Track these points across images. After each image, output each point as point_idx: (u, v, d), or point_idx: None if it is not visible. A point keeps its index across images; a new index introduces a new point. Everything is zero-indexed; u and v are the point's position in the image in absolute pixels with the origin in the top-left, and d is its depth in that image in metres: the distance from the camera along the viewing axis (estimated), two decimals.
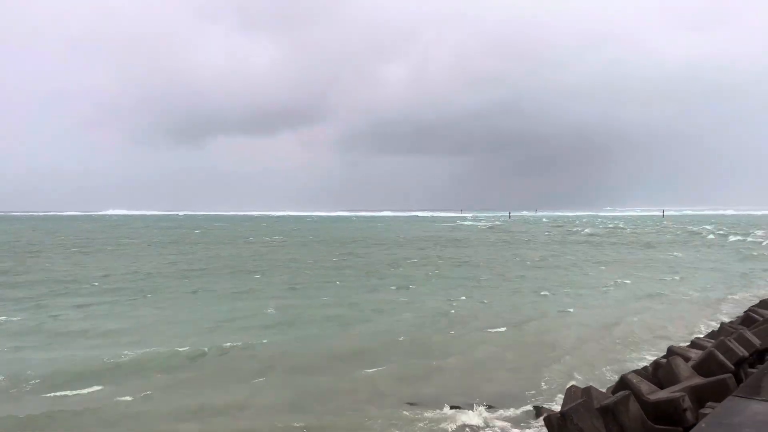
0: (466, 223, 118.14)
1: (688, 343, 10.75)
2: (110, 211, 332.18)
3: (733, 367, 8.17)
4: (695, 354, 9.32)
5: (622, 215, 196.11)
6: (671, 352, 9.31)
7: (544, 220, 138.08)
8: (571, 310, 18.37)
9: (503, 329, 15.30)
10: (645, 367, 9.31)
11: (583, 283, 25.27)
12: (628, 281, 25.40)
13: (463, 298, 20.79)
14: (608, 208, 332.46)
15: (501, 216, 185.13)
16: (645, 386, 8.09)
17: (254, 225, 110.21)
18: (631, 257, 38.30)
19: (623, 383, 8.05)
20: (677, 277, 26.73)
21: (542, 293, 21.83)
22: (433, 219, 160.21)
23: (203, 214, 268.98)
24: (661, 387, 8.26)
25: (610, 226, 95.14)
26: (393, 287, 23.66)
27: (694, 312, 17.97)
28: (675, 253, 40.62)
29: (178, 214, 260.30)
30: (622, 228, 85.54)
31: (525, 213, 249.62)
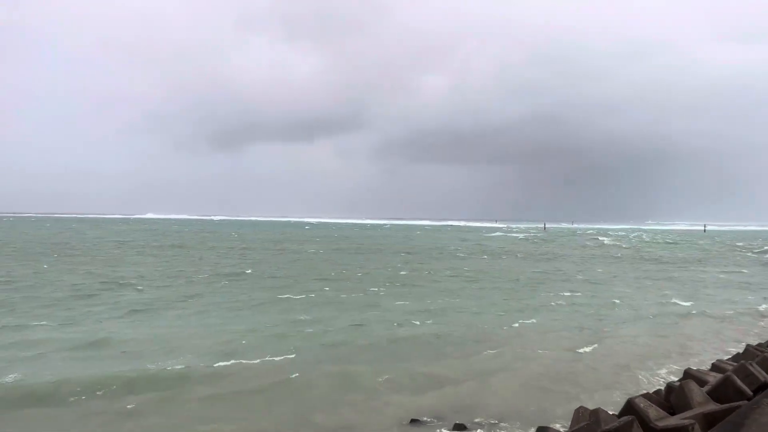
0: (495, 234, 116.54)
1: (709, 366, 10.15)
2: (149, 215, 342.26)
3: (751, 393, 7.59)
4: (713, 378, 8.76)
5: (663, 229, 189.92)
6: (687, 375, 8.76)
7: (589, 231, 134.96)
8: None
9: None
10: (658, 390, 8.79)
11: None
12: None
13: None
14: (649, 222, 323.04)
15: (535, 227, 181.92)
16: (653, 411, 7.54)
17: (304, 232, 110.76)
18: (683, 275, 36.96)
19: (629, 407, 7.54)
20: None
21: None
22: (468, 229, 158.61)
23: (238, 219, 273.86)
24: (672, 413, 7.76)
25: (649, 240, 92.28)
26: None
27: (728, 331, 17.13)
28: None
29: (212, 219, 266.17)
30: (665, 242, 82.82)
31: (562, 224, 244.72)
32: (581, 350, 14.60)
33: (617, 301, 23.25)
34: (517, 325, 17.88)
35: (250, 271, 33.29)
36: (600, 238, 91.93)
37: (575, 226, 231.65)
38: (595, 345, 15.05)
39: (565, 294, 25.39)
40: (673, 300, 23.95)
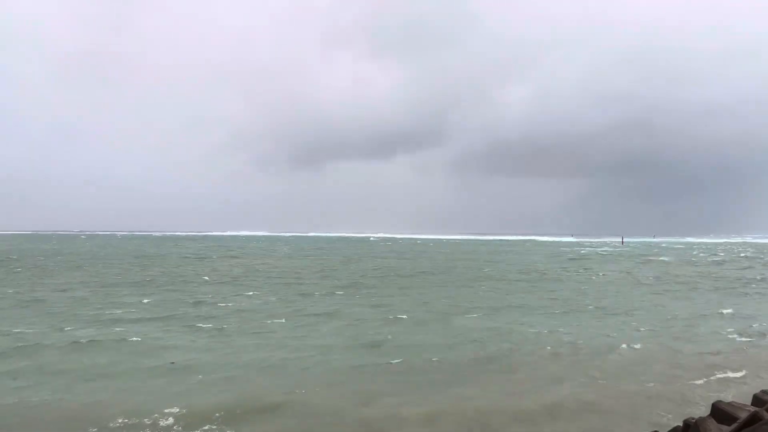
0: (585, 250, 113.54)
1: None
2: (228, 232, 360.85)
3: None
4: (746, 414, 9.29)
5: (754, 242, 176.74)
6: (714, 409, 9.42)
7: (681, 245, 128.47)
8: None
9: None
10: (676, 427, 8.92)
11: None
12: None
13: None
14: (734, 235, 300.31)
15: (612, 241, 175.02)
16: None
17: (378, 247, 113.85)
18: None
19: None
20: None
21: None
22: (543, 244, 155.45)
23: (315, 236, 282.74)
24: None
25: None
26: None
27: None
28: None
29: (284, 235, 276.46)
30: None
31: (642, 239, 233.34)
32: None
33: None
34: None
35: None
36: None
37: (657, 240, 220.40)
38: None
39: None
40: None
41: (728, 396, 13.20)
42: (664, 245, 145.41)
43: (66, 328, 21.27)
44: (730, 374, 15.61)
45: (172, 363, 15.91)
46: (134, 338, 19.37)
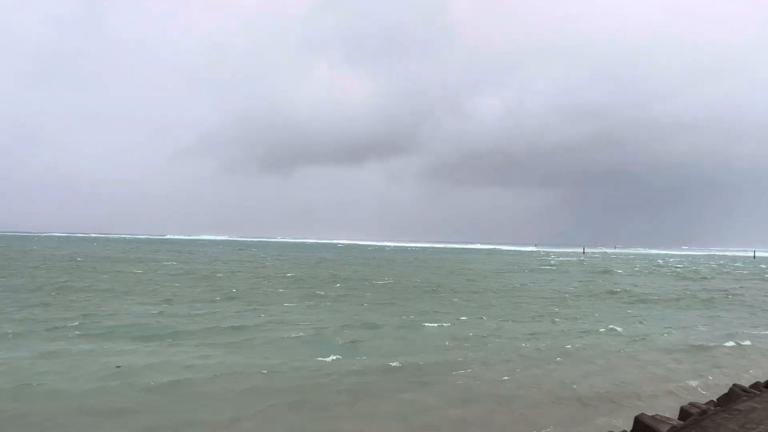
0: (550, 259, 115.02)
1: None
2: (202, 236, 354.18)
3: None
4: (667, 427, 9.09)
5: (709, 254, 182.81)
6: (636, 422, 9.19)
7: (630, 256, 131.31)
8: None
9: None
10: None
11: None
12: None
13: None
14: (685, 247, 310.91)
15: (573, 252, 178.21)
16: None
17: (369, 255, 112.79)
18: None
19: None
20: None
21: None
22: (508, 253, 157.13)
23: (283, 242, 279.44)
24: None
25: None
26: None
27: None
28: None
29: (249, 240, 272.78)
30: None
31: (603, 249, 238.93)
32: None
33: None
34: None
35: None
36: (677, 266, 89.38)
37: (618, 250, 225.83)
38: None
39: None
40: None
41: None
42: (622, 257, 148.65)
43: None
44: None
45: (118, 367, 14.95)
46: None
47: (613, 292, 41.28)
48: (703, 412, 9.15)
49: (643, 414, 9.55)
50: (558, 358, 17.72)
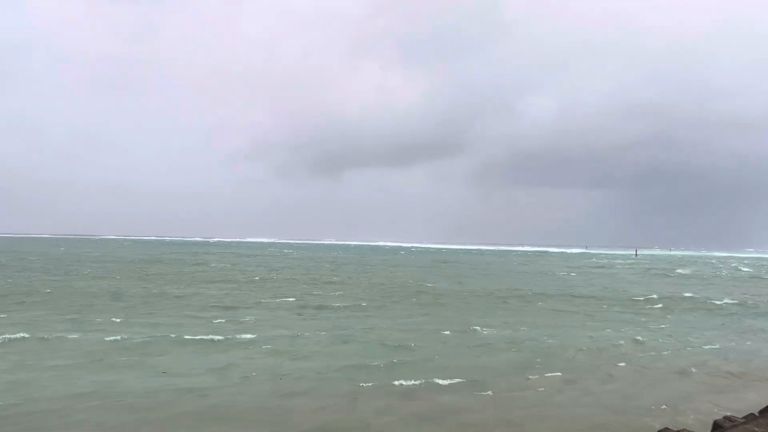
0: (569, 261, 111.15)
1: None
2: (248, 239, 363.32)
3: None
4: None
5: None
6: None
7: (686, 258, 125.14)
8: None
9: None
10: None
11: None
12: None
13: None
14: (748, 250, 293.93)
15: (623, 254, 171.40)
16: None
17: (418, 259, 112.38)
18: None
19: None
20: None
21: None
22: (563, 256, 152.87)
23: (329, 243, 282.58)
24: None
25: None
26: None
27: None
28: None
29: (296, 242, 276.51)
30: None
31: (657, 251, 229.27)
32: None
33: None
34: None
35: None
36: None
37: (673, 252, 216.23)
38: None
39: None
40: None
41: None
42: (677, 258, 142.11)
43: None
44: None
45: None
46: None
47: None
48: (734, 426, 8.20)
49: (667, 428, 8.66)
50: None
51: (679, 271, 75.08)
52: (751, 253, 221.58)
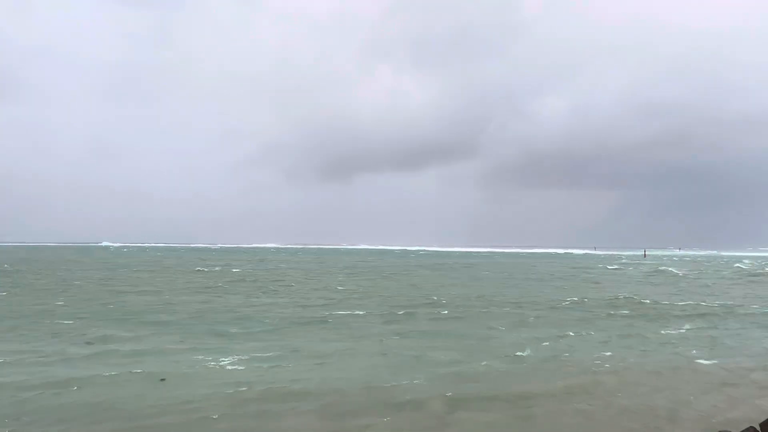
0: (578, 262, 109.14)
1: None
2: (256, 244, 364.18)
3: None
4: None
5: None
6: None
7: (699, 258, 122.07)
8: None
9: None
10: None
11: None
12: None
13: None
14: (761, 249, 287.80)
15: (630, 255, 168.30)
16: None
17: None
18: None
19: None
20: None
21: None
22: (571, 257, 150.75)
23: (337, 248, 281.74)
24: None
25: None
26: None
27: None
28: None
29: (308, 247, 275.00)
30: None
31: (666, 252, 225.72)
32: None
33: None
34: None
35: None
36: None
37: (682, 252, 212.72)
38: None
39: None
40: None
41: None
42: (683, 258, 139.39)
43: None
44: None
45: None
46: None
47: None
48: None
49: None
50: None
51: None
52: (763, 253, 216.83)
